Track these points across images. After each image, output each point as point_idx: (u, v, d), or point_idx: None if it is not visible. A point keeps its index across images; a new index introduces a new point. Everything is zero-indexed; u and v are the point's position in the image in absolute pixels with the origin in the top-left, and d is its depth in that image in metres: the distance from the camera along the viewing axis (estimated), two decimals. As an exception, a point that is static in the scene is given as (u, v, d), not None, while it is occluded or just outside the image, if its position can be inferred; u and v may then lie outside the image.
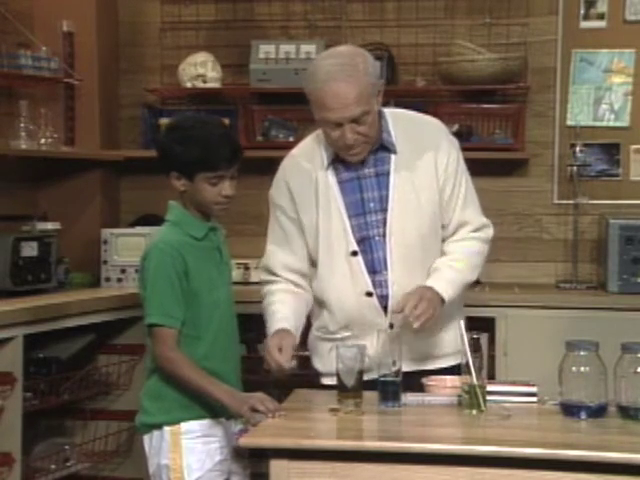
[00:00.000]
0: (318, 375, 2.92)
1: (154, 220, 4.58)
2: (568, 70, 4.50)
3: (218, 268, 2.74)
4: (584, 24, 4.49)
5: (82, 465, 3.96)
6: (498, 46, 4.51)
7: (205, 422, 2.66)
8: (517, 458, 2.18)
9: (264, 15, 4.76)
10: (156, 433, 2.67)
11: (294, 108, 4.63)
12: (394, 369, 2.54)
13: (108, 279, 4.26)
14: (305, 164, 2.85)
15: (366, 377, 2.57)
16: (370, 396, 2.62)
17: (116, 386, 4.01)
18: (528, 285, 4.37)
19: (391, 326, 2.75)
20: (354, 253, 2.77)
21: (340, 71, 2.65)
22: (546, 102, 4.53)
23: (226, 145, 2.67)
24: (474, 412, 2.47)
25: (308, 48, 4.54)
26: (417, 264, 2.77)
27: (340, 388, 2.54)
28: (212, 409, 2.66)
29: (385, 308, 2.76)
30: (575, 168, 4.42)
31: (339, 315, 2.82)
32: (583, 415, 2.42)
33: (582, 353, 2.44)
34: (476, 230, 2.85)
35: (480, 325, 3.31)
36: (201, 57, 4.62)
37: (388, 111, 2.86)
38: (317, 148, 2.84)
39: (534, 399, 2.59)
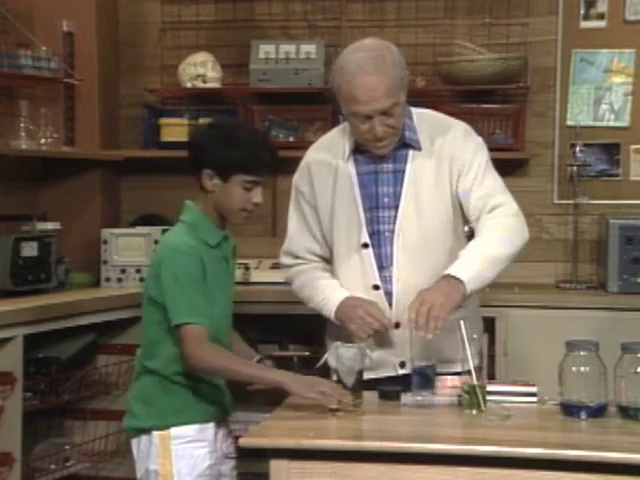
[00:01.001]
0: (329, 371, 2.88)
1: (154, 220, 4.59)
2: (568, 70, 4.50)
3: (219, 279, 2.68)
4: (584, 24, 4.49)
5: (82, 465, 3.95)
6: (498, 46, 4.50)
7: (195, 427, 2.64)
8: (517, 458, 2.18)
9: (264, 15, 4.76)
10: (144, 437, 2.65)
11: (294, 108, 4.64)
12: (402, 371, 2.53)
13: (108, 279, 4.26)
14: (327, 153, 2.88)
15: (366, 376, 2.58)
16: (370, 396, 2.63)
17: (116, 386, 4.01)
18: (528, 285, 4.36)
19: (397, 325, 2.75)
20: (365, 245, 2.79)
21: (370, 64, 2.67)
22: (546, 102, 4.53)
23: (268, 151, 2.67)
24: (474, 412, 2.48)
25: (308, 48, 4.54)
26: (423, 264, 2.76)
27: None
28: (202, 414, 2.65)
29: (390, 304, 2.77)
30: (575, 168, 4.42)
31: None
32: (583, 415, 2.42)
33: (582, 353, 2.45)
34: (494, 209, 2.77)
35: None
36: (201, 57, 4.62)
37: (414, 110, 2.88)
38: (341, 138, 2.88)
39: (534, 399, 2.59)
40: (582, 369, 2.44)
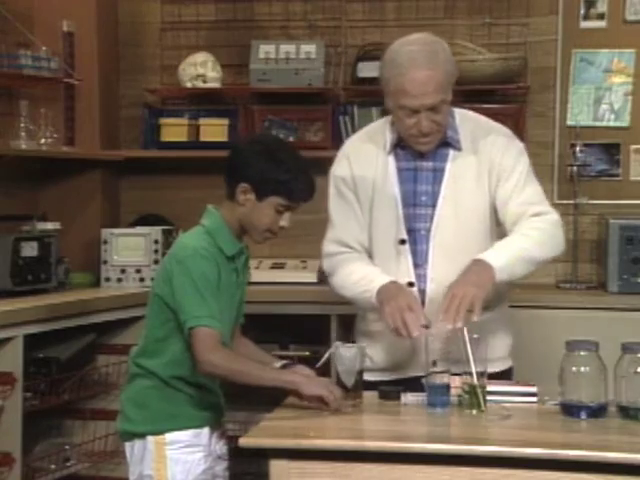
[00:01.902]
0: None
1: (154, 220, 4.60)
2: (568, 70, 4.50)
3: (228, 290, 2.64)
4: (584, 24, 4.49)
5: (82, 465, 3.95)
6: (498, 46, 4.51)
7: (189, 432, 2.62)
8: (517, 458, 2.18)
9: (264, 15, 4.76)
10: (138, 442, 2.63)
11: (294, 108, 4.64)
12: (433, 369, 2.52)
13: (108, 279, 4.26)
14: (368, 145, 2.86)
15: (399, 375, 2.62)
16: (370, 396, 2.63)
17: (116, 386, 4.00)
18: (528, 285, 4.35)
19: (426, 326, 2.72)
20: (402, 241, 2.77)
21: (422, 58, 2.65)
22: (546, 102, 4.53)
23: (309, 180, 2.64)
24: (474, 412, 2.47)
25: (308, 48, 4.54)
26: (459, 263, 2.71)
27: (340, 388, 2.54)
28: (197, 419, 2.64)
29: (423, 302, 2.74)
30: (575, 168, 4.42)
31: None
32: (583, 415, 2.42)
33: (582, 353, 2.45)
34: (533, 217, 2.76)
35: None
36: (201, 57, 4.62)
37: (457, 110, 2.86)
38: (383, 131, 2.85)
39: (534, 399, 2.59)
40: (582, 369, 2.44)
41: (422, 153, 2.79)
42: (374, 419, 2.50)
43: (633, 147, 4.46)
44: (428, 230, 2.77)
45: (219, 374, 2.57)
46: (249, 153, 2.64)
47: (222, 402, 2.75)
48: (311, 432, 2.33)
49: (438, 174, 2.80)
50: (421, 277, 2.77)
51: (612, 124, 4.48)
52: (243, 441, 2.30)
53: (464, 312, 2.54)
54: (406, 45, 2.71)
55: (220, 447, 2.73)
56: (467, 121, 2.85)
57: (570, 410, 2.44)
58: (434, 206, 2.78)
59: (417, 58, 2.65)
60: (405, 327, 2.60)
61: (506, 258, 2.66)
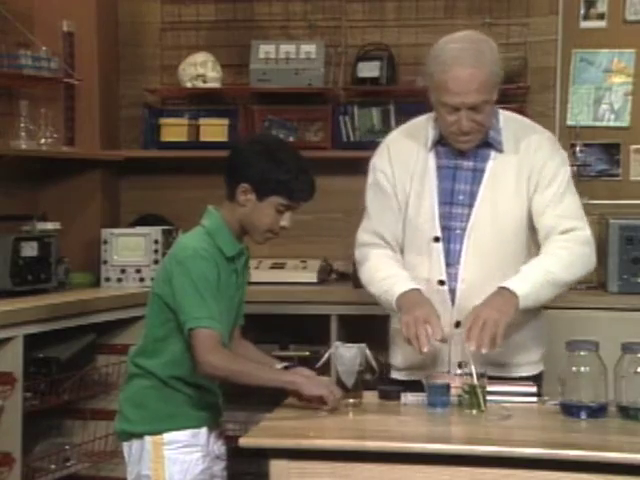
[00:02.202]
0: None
1: (154, 220, 4.60)
2: (568, 70, 4.50)
3: (227, 292, 2.64)
4: (584, 24, 4.49)
5: (82, 465, 3.95)
6: (498, 46, 4.46)
7: (187, 432, 2.62)
8: (517, 458, 2.18)
9: (264, 15, 4.76)
10: (136, 442, 2.63)
11: (294, 108, 4.64)
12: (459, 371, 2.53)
13: (108, 279, 4.26)
14: (410, 139, 2.85)
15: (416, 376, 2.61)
16: (370, 396, 2.63)
17: (116, 386, 4.00)
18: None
19: (457, 324, 2.72)
20: (436, 239, 2.76)
21: (467, 56, 2.63)
22: (546, 102, 4.53)
23: (310, 180, 2.65)
24: (474, 412, 2.47)
25: (308, 48, 4.54)
26: (491, 266, 2.72)
27: (340, 388, 2.54)
28: (195, 419, 2.64)
29: (453, 302, 2.74)
30: (575, 168, 4.41)
31: None
32: (583, 415, 2.42)
33: (582, 353, 2.45)
34: (565, 232, 2.75)
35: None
36: (201, 57, 4.62)
37: (501, 111, 2.84)
38: (425, 127, 2.84)
39: (534, 399, 2.58)
40: (582, 369, 2.44)
41: (463, 152, 2.78)
42: (374, 419, 2.50)
43: (633, 147, 4.46)
44: (463, 229, 2.75)
45: (219, 375, 2.57)
46: (249, 153, 2.64)
47: (220, 402, 2.75)
48: (311, 432, 2.33)
49: (478, 174, 2.78)
50: (452, 276, 2.75)
51: (612, 124, 4.47)
52: (243, 441, 2.30)
53: (488, 337, 2.53)
54: (452, 42, 2.69)
55: (218, 447, 2.73)
56: (511, 123, 2.83)
57: (570, 410, 2.44)
58: (471, 206, 2.76)
59: (462, 56, 2.63)
60: (417, 341, 2.59)
61: (531, 284, 2.65)
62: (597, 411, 2.42)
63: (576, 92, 4.50)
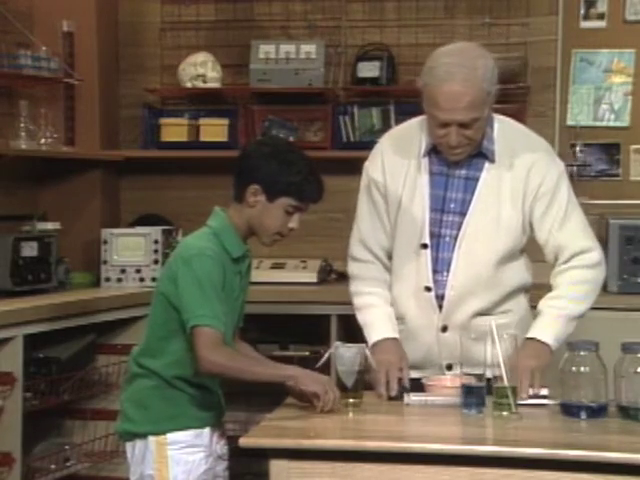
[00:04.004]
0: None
1: (154, 220, 4.60)
2: (568, 70, 4.50)
3: (230, 293, 2.64)
4: (584, 24, 4.49)
5: (82, 465, 3.95)
6: (498, 46, 4.49)
7: (190, 432, 2.62)
8: (517, 458, 2.18)
9: (264, 15, 4.76)
10: (139, 442, 2.63)
11: (294, 108, 4.64)
12: (453, 372, 2.53)
13: (108, 279, 4.26)
14: (403, 145, 2.84)
15: (412, 375, 2.63)
16: (370, 396, 2.63)
17: (116, 386, 4.00)
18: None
19: (444, 329, 2.74)
20: (424, 246, 2.76)
21: (459, 73, 2.60)
22: (546, 102, 4.53)
23: (319, 181, 2.67)
24: (504, 413, 2.44)
25: (308, 48, 4.54)
26: (482, 274, 2.74)
27: (340, 388, 2.54)
28: (198, 419, 2.64)
29: (440, 307, 2.75)
30: (575, 168, 4.42)
31: (398, 303, 2.83)
32: (583, 415, 2.42)
33: (582, 353, 2.45)
34: (575, 256, 2.76)
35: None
36: (201, 57, 4.62)
37: (497, 119, 2.81)
38: (418, 134, 2.82)
39: (545, 401, 2.55)
40: (582, 369, 2.44)
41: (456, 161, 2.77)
42: (374, 419, 2.50)
43: (633, 147, 4.46)
44: (455, 237, 2.75)
45: (220, 372, 2.57)
46: (259, 155, 2.65)
47: (223, 402, 2.75)
48: (311, 432, 2.33)
49: (470, 183, 2.77)
50: (439, 283, 2.75)
51: (612, 124, 4.48)
52: (243, 441, 2.30)
53: (527, 384, 2.57)
54: (446, 56, 2.66)
55: (220, 447, 2.73)
56: (506, 132, 2.80)
57: (570, 410, 2.44)
58: (463, 214, 2.75)
59: (454, 72, 2.60)
60: (386, 383, 2.65)
61: (558, 330, 2.71)
62: (597, 411, 2.42)
63: (576, 92, 4.50)
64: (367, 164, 2.91)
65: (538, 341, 2.68)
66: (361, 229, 2.90)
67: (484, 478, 2.21)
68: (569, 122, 4.50)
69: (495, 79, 2.68)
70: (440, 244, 2.76)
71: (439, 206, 2.77)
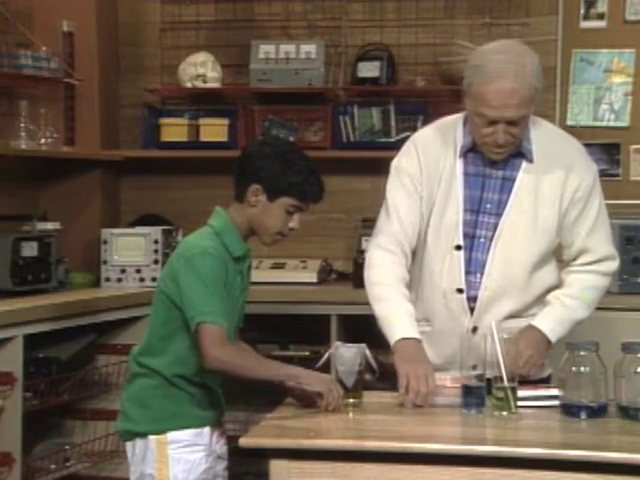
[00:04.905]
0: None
1: (154, 220, 4.60)
2: (568, 70, 4.50)
3: (232, 292, 2.65)
4: (584, 24, 4.49)
5: (82, 465, 3.95)
6: (498, 46, 4.50)
7: (191, 431, 2.63)
8: (517, 458, 2.18)
9: (264, 15, 4.76)
10: (140, 441, 2.64)
11: (294, 108, 4.64)
12: (473, 373, 2.50)
13: (108, 279, 4.26)
14: (439, 144, 2.79)
15: (439, 375, 2.61)
16: (370, 396, 2.63)
17: (116, 386, 4.00)
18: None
19: (474, 329, 2.72)
20: (458, 247, 2.73)
21: (510, 70, 2.58)
22: (546, 102, 4.52)
23: (320, 181, 2.68)
24: (504, 413, 2.45)
25: (308, 48, 4.54)
26: (516, 276, 2.72)
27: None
28: (199, 418, 2.65)
29: (472, 309, 2.72)
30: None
31: (426, 305, 2.78)
32: (583, 415, 2.42)
33: (582, 353, 2.45)
34: (597, 261, 2.78)
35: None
36: (201, 57, 4.62)
37: (532, 119, 2.77)
38: (455, 133, 2.78)
39: (556, 402, 2.52)
40: (582, 369, 2.44)
41: (493, 160, 2.74)
42: (374, 419, 2.50)
43: (633, 147, 4.46)
44: (490, 239, 2.72)
45: (225, 369, 2.56)
46: (260, 155, 2.67)
47: (223, 401, 2.76)
48: (311, 432, 2.33)
49: (507, 183, 2.74)
50: (472, 284, 2.72)
51: (612, 124, 4.48)
52: (243, 441, 2.30)
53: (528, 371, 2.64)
54: (495, 53, 2.64)
55: (220, 446, 2.74)
56: (542, 132, 2.78)
57: (570, 410, 2.44)
58: (499, 215, 2.72)
59: (504, 69, 2.58)
60: (415, 397, 2.56)
61: (562, 331, 2.73)
62: (597, 411, 2.42)
63: (576, 92, 4.50)
64: (400, 161, 2.82)
65: (544, 335, 2.68)
66: (394, 221, 2.79)
67: (484, 478, 2.21)
68: (569, 122, 4.50)
69: (541, 75, 2.66)
70: (474, 245, 2.73)
71: (475, 207, 2.74)
